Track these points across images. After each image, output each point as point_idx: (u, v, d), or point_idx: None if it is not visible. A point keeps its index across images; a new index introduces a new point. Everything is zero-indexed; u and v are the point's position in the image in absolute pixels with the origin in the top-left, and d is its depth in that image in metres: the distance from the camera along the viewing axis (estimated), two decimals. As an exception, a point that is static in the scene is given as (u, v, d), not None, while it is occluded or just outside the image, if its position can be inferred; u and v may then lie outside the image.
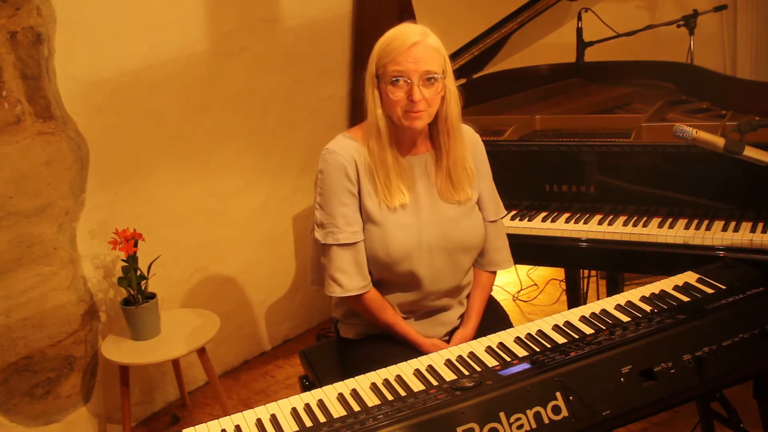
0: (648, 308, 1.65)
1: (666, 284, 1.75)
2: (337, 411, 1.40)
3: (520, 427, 1.29)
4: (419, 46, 1.69)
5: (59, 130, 2.49)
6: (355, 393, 1.45)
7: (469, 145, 1.89)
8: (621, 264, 2.41)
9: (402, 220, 1.80)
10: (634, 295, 1.72)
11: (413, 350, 1.82)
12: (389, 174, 1.78)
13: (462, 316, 1.95)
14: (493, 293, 2.08)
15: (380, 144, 1.77)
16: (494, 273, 2.00)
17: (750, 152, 1.80)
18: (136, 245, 2.56)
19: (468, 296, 1.96)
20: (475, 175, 1.89)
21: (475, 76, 2.99)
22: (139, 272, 2.59)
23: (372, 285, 1.83)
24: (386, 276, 1.83)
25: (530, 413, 1.30)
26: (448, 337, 1.93)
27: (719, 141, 1.80)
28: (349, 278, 1.80)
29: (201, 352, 2.61)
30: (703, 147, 1.82)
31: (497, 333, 1.64)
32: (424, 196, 1.83)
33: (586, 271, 3.15)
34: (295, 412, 1.40)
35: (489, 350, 1.58)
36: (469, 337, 1.88)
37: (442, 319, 1.91)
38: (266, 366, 3.32)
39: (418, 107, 1.70)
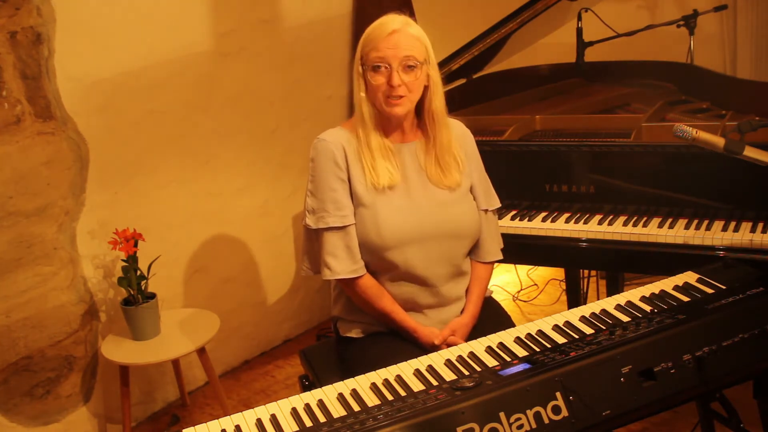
0: (648, 308, 1.65)
1: (666, 284, 1.75)
2: (337, 411, 1.40)
3: (520, 427, 1.29)
4: (399, 33, 1.78)
5: (59, 130, 2.49)
6: (355, 393, 1.45)
7: (459, 137, 1.96)
8: (621, 264, 2.41)
9: (393, 202, 1.83)
10: (634, 295, 1.72)
11: (413, 350, 1.82)
12: (374, 155, 1.84)
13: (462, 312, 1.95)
14: (493, 294, 2.09)
15: (365, 128, 1.85)
16: (490, 266, 2.02)
17: (750, 152, 1.80)
18: (136, 245, 2.56)
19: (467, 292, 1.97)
20: (465, 163, 1.94)
21: (475, 76, 3.00)
22: (139, 272, 2.59)
23: (365, 273, 1.85)
24: (380, 264, 1.85)
25: (530, 413, 1.30)
26: None
27: (719, 141, 1.80)
28: (339, 261, 1.83)
29: (201, 352, 2.61)
30: (703, 147, 1.82)
31: (497, 333, 1.64)
32: (415, 180, 1.88)
33: (586, 271, 3.15)
34: (295, 412, 1.40)
35: (489, 350, 1.58)
36: (465, 325, 1.90)
37: (441, 315, 1.91)
38: (266, 366, 3.32)
39: (398, 92, 1.78)
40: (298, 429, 1.35)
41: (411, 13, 1.84)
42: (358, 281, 1.85)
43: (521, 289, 3.79)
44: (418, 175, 1.88)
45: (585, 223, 2.31)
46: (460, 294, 1.94)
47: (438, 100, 1.87)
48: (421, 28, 1.83)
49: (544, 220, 2.38)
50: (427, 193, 1.87)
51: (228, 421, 1.38)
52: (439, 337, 1.85)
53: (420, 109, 1.88)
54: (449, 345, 1.81)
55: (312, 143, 1.88)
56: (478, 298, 1.96)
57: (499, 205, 2.03)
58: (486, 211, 1.98)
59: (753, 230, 2.09)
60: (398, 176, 1.85)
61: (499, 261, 2.05)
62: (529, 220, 2.39)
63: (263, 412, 1.40)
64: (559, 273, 3.73)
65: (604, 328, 1.56)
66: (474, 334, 1.90)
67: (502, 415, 1.28)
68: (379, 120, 1.87)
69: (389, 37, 1.77)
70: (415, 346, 1.86)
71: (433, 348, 1.82)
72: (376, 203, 1.82)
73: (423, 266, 1.84)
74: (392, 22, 1.79)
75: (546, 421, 1.31)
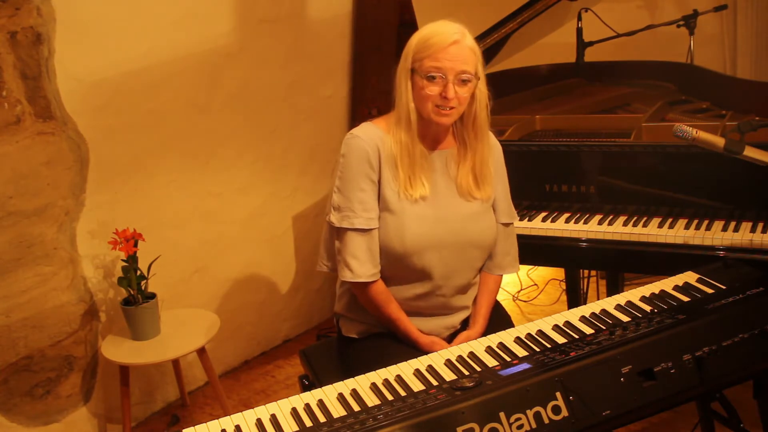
0: (648, 308, 1.65)
1: (666, 284, 1.75)
2: (337, 411, 1.40)
3: (520, 427, 1.29)
4: (458, 45, 1.73)
5: (59, 130, 2.49)
6: (355, 393, 1.45)
7: (491, 148, 1.92)
8: (621, 264, 2.41)
9: (419, 211, 1.80)
10: (634, 295, 1.72)
11: (413, 350, 1.82)
12: (414, 167, 1.80)
13: (466, 320, 1.94)
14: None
15: (410, 136, 1.79)
16: (500, 277, 2.00)
17: (750, 152, 1.80)
18: (136, 245, 2.56)
19: (474, 300, 1.95)
20: (493, 176, 1.91)
21: (475, 76, 2.99)
22: (139, 272, 2.59)
23: (380, 277, 1.84)
24: (398, 269, 1.83)
25: (530, 413, 1.30)
26: (450, 339, 1.92)
27: (719, 141, 1.80)
28: (361, 264, 1.80)
29: (201, 352, 2.61)
30: (703, 147, 1.83)
31: (497, 333, 1.64)
32: (444, 190, 1.85)
33: (586, 271, 3.15)
34: (295, 412, 1.40)
35: (489, 350, 1.58)
36: (474, 339, 1.87)
37: (444, 322, 1.90)
38: (266, 366, 3.32)
39: (450, 104, 1.74)
40: (298, 429, 1.35)
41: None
42: (371, 286, 1.83)
43: (521, 289, 3.79)
44: (447, 184, 1.85)
45: (585, 223, 2.31)
46: (467, 303, 1.93)
47: (483, 113, 1.83)
48: (474, 40, 1.78)
49: (544, 220, 2.38)
50: (454, 205, 1.84)
51: (228, 421, 1.38)
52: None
53: (462, 117, 1.83)
54: None
55: (344, 138, 1.83)
56: (488, 311, 1.94)
57: (517, 218, 2.01)
58: (506, 225, 1.96)
59: (753, 230, 2.09)
60: (429, 187, 1.82)
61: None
62: (529, 220, 2.39)
63: (263, 412, 1.40)
64: (559, 273, 3.74)
65: (604, 328, 1.56)
66: (475, 334, 1.90)
67: (502, 415, 1.28)
68: (418, 126, 1.81)
69: (449, 48, 1.71)
70: (416, 349, 1.84)
71: None
72: (403, 211, 1.79)
73: (439, 274, 1.83)
74: (451, 31, 1.73)
75: (546, 421, 1.31)
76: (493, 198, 1.91)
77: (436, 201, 1.83)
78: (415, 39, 1.78)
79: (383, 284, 1.84)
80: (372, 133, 1.82)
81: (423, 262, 1.81)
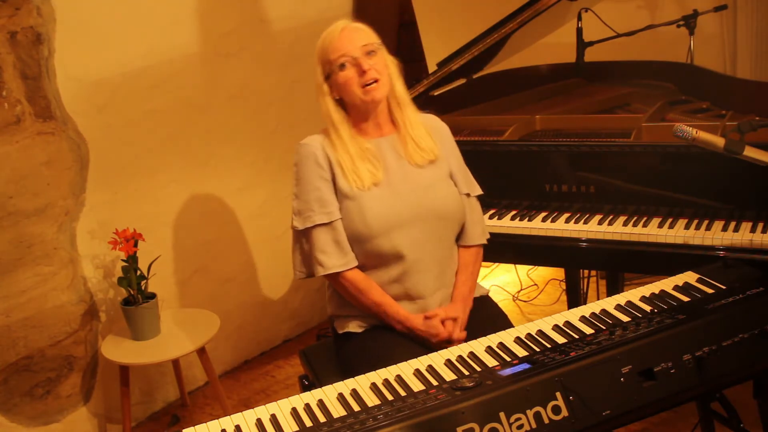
0: (648, 308, 1.65)
1: (666, 284, 1.75)
2: (337, 411, 1.40)
3: (520, 427, 1.29)
4: (348, 29, 1.89)
5: (59, 130, 2.49)
6: (355, 393, 1.45)
7: (436, 129, 2.01)
8: (621, 264, 2.41)
9: (377, 194, 1.87)
10: (634, 295, 1.72)
11: (410, 343, 1.83)
12: (355, 161, 1.88)
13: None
14: (492, 293, 2.09)
15: (338, 134, 1.90)
16: (475, 251, 2.01)
17: (750, 152, 1.80)
18: (136, 245, 2.56)
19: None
20: (438, 144, 1.97)
21: (475, 76, 2.99)
22: (139, 272, 2.59)
23: (355, 266, 1.88)
24: (369, 255, 1.87)
25: (530, 413, 1.30)
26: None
27: (719, 141, 1.80)
28: (329, 257, 1.87)
29: (201, 352, 2.61)
30: (703, 147, 1.83)
31: (497, 333, 1.64)
32: (396, 169, 1.91)
33: (586, 271, 3.15)
34: (295, 412, 1.40)
35: (489, 350, 1.58)
36: (460, 309, 1.90)
37: (429, 304, 1.90)
38: (266, 366, 3.32)
39: (371, 75, 1.84)
40: (298, 429, 1.35)
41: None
42: (347, 275, 1.87)
43: (521, 289, 3.79)
44: (399, 164, 1.92)
45: (585, 223, 2.31)
46: (449, 283, 1.95)
47: (399, 84, 1.93)
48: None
49: (544, 220, 2.38)
50: (409, 180, 1.90)
51: (228, 421, 1.38)
52: (442, 334, 1.84)
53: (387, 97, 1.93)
54: (452, 338, 1.84)
55: (294, 149, 1.94)
56: (465, 287, 1.95)
57: (480, 192, 2.05)
58: (468, 195, 2.01)
59: (753, 230, 2.09)
60: (381, 173, 1.88)
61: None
62: (529, 220, 2.39)
63: (263, 412, 1.40)
64: (559, 273, 3.73)
65: (604, 328, 1.56)
66: (473, 334, 1.90)
67: (502, 415, 1.28)
68: (355, 120, 1.92)
69: (341, 34, 1.87)
70: (411, 340, 1.86)
71: (425, 337, 1.85)
72: (362, 196, 1.86)
73: (410, 250, 1.86)
74: (337, 24, 1.90)
75: (546, 421, 1.31)
76: (443, 166, 1.96)
77: (390, 181, 1.89)
78: (316, 52, 1.93)
79: (360, 272, 1.89)
80: (318, 139, 1.94)
81: (392, 242, 1.85)
